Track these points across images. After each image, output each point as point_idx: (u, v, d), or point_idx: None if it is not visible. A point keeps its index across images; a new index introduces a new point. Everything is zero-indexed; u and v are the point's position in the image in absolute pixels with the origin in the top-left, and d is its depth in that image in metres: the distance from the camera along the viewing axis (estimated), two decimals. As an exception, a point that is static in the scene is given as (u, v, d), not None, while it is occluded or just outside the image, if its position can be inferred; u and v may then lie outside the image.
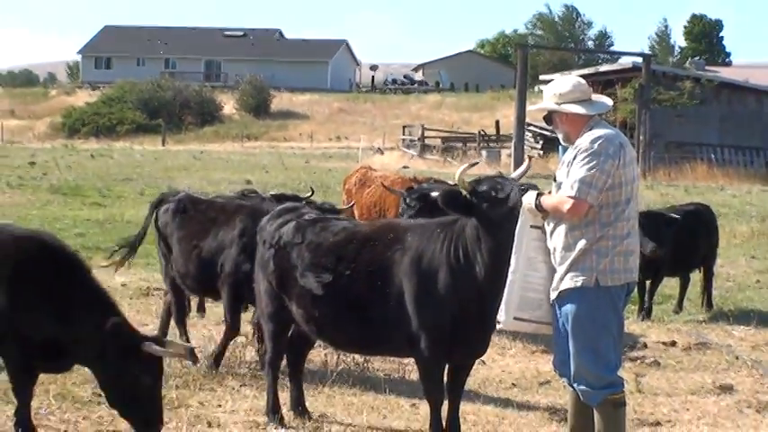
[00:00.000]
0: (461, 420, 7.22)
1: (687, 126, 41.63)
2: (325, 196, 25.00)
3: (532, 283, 6.29)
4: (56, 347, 6.55)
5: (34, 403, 6.94)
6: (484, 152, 46.04)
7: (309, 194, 10.50)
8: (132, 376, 6.33)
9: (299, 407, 7.66)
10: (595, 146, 6.06)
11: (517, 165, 39.83)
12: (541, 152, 44.46)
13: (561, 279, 6.20)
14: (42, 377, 7.09)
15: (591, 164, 6.02)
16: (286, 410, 7.61)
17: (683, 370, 9.57)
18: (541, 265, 6.30)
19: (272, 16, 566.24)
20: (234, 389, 8.35)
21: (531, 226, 6.28)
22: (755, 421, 7.96)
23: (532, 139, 44.80)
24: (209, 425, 7.38)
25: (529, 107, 7.38)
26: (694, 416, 8.06)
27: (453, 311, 6.69)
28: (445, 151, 48.59)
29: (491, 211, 6.48)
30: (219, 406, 7.84)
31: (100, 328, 6.39)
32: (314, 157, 50.21)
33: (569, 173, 6.12)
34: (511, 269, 6.30)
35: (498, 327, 6.51)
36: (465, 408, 7.65)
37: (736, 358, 9.99)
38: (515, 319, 6.32)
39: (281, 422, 7.46)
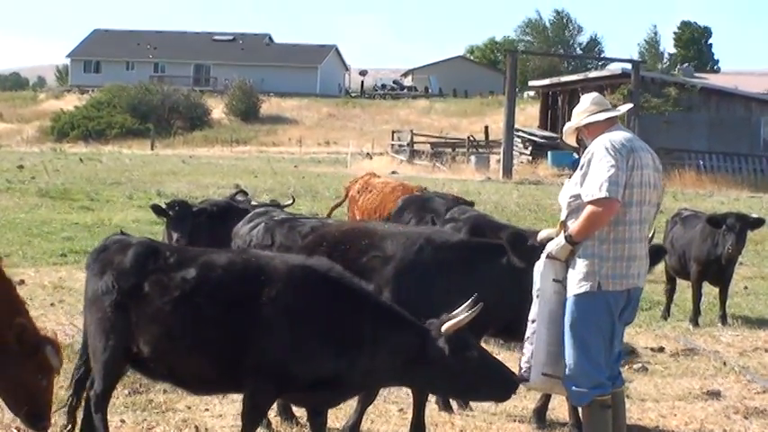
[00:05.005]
0: (449, 426, 7.21)
1: (676, 132, 41.75)
2: (314, 201, 25.04)
3: (553, 336, 6.32)
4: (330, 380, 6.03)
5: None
6: (473, 158, 46.15)
7: (291, 202, 10.62)
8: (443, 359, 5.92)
9: (286, 411, 7.65)
10: (608, 147, 6.21)
11: (506, 170, 40.12)
12: (530, 158, 44.54)
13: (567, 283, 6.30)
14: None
15: (609, 163, 6.14)
16: (273, 415, 7.60)
17: (670, 376, 9.57)
18: (560, 319, 6.34)
19: (262, 21, 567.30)
20: (221, 393, 8.31)
21: (554, 279, 6.30)
22: (743, 427, 7.96)
23: (521, 145, 44.83)
24: (197, 429, 7.36)
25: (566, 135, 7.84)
26: (682, 421, 8.07)
27: None
28: (434, 156, 48.65)
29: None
30: (207, 410, 7.81)
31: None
32: (303, 162, 50.20)
33: (586, 176, 6.22)
34: (532, 314, 6.35)
35: (527, 385, 6.48)
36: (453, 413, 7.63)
37: (724, 364, 10.00)
38: (543, 374, 6.30)
39: (268, 427, 7.44)
